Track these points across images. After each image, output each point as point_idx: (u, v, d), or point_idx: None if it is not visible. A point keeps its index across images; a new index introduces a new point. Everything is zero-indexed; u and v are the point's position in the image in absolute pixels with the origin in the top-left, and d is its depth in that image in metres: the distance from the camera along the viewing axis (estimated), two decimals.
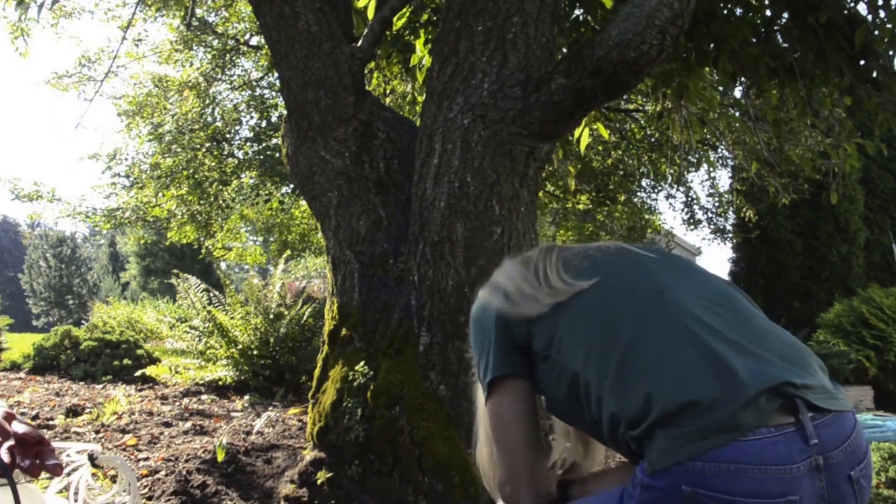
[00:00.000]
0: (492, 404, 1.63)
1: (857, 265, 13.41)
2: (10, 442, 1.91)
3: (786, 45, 3.97)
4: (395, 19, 4.21)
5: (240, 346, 6.74)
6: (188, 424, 4.56)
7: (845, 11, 3.82)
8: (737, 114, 5.66)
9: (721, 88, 5.42)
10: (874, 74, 3.84)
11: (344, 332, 3.26)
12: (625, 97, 8.41)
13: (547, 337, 1.55)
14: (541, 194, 9.61)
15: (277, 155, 9.83)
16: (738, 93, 5.60)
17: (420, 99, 5.42)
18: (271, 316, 7.03)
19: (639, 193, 11.61)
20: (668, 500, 1.29)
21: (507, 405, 1.61)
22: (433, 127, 3.12)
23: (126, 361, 7.17)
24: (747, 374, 1.35)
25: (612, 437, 1.43)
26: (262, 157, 10.41)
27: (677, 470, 1.28)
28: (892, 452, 3.37)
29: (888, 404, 8.45)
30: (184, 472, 3.04)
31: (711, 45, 3.96)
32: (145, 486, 3.02)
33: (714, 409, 1.30)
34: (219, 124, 10.12)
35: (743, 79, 4.35)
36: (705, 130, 5.23)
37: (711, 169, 10.91)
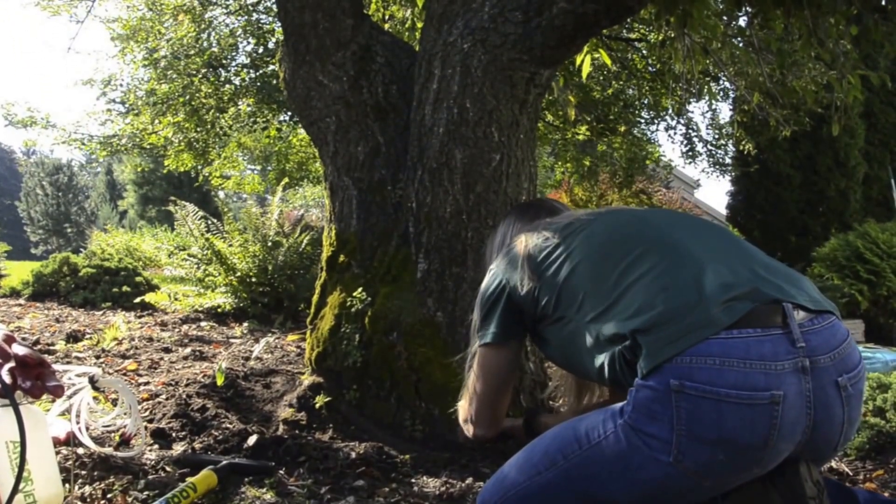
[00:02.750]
0: (481, 355, 1.91)
1: (855, 200, 13.41)
2: (11, 363, 1.93)
3: None
4: None
5: (238, 274, 6.77)
6: (188, 350, 4.60)
7: None
8: (740, 44, 5.57)
9: (725, 18, 5.31)
10: (883, 2, 3.76)
11: (342, 258, 3.27)
12: (626, 26, 8.29)
13: (549, 298, 1.70)
14: (540, 125, 9.53)
15: (275, 82, 9.68)
16: (742, 22, 5.50)
17: (419, 25, 5.32)
18: (269, 244, 7.04)
19: (639, 125, 11.51)
20: (659, 396, 1.35)
21: (495, 361, 1.90)
22: (432, 51, 3.06)
23: (125, 288, 7.20)
24: (726, 282, 1.42)
25: (610, 365, 1.47)
26: (259, 83, 10.25)
27: (667, 367, 1.35)
28: (880, 382, 3.41)
29: (878, 338, 8.55)
30: (184, 396, 3.08)
31: None
32: (146, 409, 3.06)
33: (689, 312, 1.38)
34: (215, 49, 9.93)
35: (748, 7, 4.26)
36: (708, 61, 5.15)
37: (712, 101, 10.79)
